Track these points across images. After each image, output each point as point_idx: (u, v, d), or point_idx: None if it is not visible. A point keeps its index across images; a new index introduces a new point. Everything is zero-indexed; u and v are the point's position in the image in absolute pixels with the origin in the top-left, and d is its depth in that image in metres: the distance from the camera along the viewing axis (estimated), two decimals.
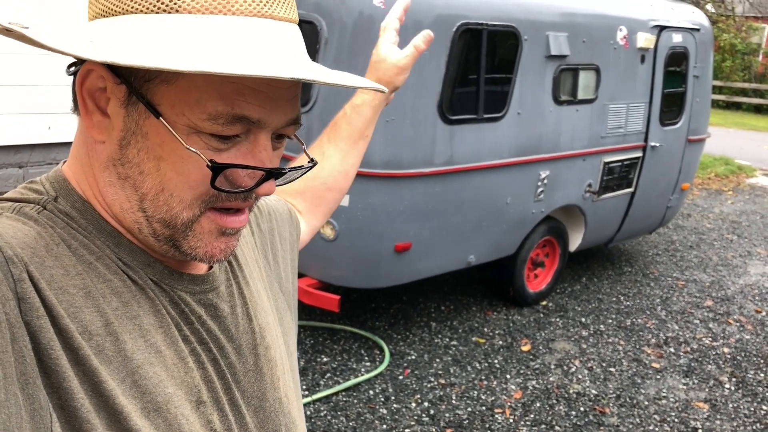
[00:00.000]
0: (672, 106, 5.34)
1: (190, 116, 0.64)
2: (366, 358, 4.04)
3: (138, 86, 0.65)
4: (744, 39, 19.59)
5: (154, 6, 0.62)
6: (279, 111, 0.67)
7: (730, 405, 3.86)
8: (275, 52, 0.64)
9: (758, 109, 18.64)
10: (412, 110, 3.69)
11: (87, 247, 0.68)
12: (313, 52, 3.68)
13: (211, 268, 0.81)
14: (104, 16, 0.65)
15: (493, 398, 3.75)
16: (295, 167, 0.74)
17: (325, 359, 3.98)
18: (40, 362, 0.59)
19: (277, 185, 0.73)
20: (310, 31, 3.74)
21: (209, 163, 0.64)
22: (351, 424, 3.42)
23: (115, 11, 0.64)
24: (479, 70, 3.93)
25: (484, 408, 3.65)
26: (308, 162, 0.78)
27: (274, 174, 0.69)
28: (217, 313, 0.78)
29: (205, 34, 0.62)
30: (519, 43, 4.07)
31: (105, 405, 0.62)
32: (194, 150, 0.64)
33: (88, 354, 0.62)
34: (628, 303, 5.18)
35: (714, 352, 4.49)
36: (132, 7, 0.63)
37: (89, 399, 0.61)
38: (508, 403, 3.71)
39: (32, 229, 0.65)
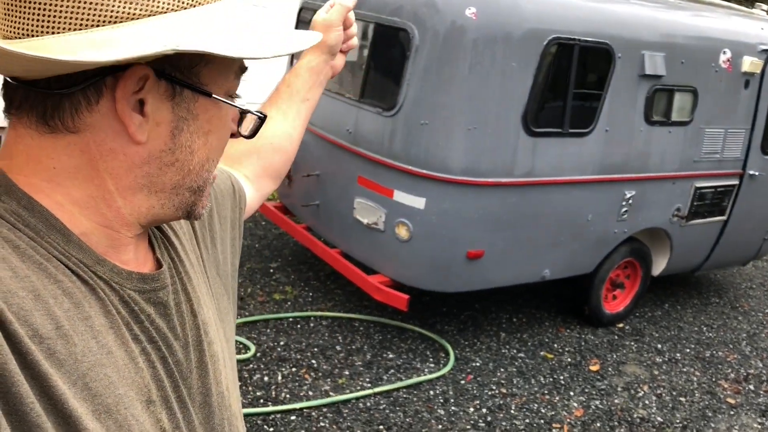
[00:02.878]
0: None
1: (224, 84, 0.75)
2: (431, 359, 4.12)
3: (181, 75, 0.71)
4: None
5: (179, 4, 0.67)
6: None
7: None
8: (266, 27, 0.74)
9: None
10: (496, 120, 3.75)
11: (35, 248, 0.67)
12: (404, 58, 3.81)
13: (160, 266, 0.82)
14: (113, 21, 0.64)
15: (553, 413, 3.74)
16: (253, 111, 0.83)
17: (390, 356, 4.09)
18: None
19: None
20: (403, 38, 3.87)
21: (242, 110, 0.79)
22: (408, 420, 3.51)
23: (137, 14, 0.64)
24: (568, 84, 3.94)
25: (542, 421, 3.65)
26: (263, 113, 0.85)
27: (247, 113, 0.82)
28: (166, 311, 0.79)
29: (231, 21, 0.71)
30: (612, 60, 4.04)
31: (55, 409, 0.62)
32: (237, 105, 0.78)
33: (38, 359, 0.62)
34: (710, 334, 4.99)
35: None
36: (157, 7, 0.66)
37: (39, 402, 0.61)
38: (568, 420, 3.69)
39: None
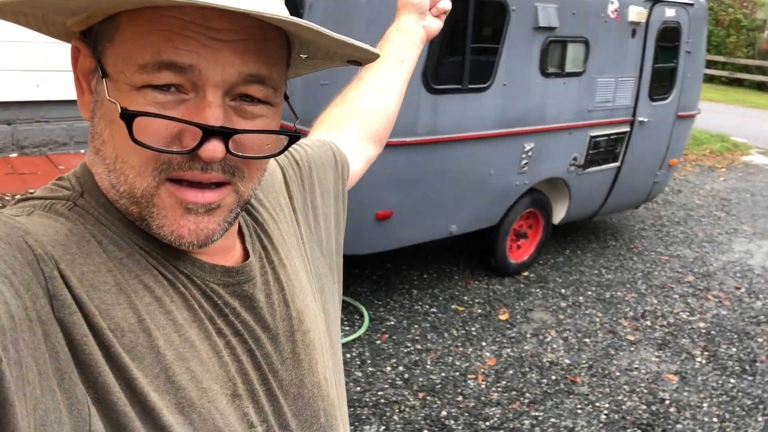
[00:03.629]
0: (662, 82, 5.34)
1: (126, 72, 0.62)
2: (345, 322, 4.11)
3: (97, 52, 0.66)
4: (749, 15, 19.39)
5: None
6: (219, 60, 0.63)
7: (699, 378, 3.95)
8: None
9: (761, 87, 18.52)
10: None
11: (117, 243, 0.67)
12: (297, 17, 3.68)
13: (247, 258, 0.79)
14: None
15: (467, 364, 3.83)
16: (254, 130, 0.67)
17: None
18: (76, 357, 0.59)
19: (255, 156, 0.68)
20: None
21: (120, 110, 0.61)
22: None
23: None
24: (465, 39, 3.93)
25: (457, 374, 3.74)
26: (293, 132, 0.71)
27: (212, 132, 0.62)
28: (252, 303, 0.77)
29: None
30: (507, 14, 4.06)
31: (138, 400, 0.63)
32: (112, 99, 0.62)
33: (119, 351, 0.62)
34: (609, 276, 5.24)
35: (689, 327, 4.56)
36: None
37: (124, 393, 0.62)
38: (482, 370, 3.79)
39: (63, 226, 0.64)
